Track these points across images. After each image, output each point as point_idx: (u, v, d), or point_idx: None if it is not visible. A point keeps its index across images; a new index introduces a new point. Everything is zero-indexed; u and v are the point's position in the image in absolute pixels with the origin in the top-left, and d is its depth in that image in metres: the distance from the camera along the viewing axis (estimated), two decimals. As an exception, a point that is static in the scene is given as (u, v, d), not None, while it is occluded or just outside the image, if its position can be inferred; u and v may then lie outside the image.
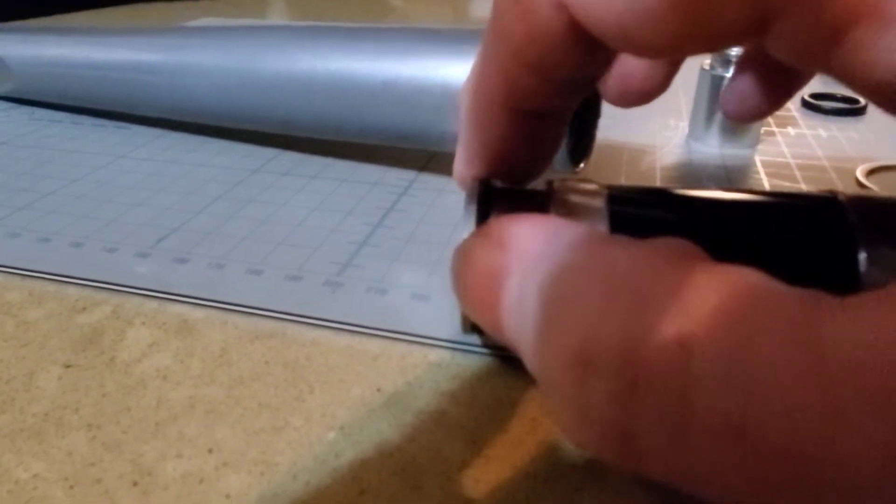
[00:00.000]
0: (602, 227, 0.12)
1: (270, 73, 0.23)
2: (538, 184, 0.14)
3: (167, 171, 0.25)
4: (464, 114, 0.14)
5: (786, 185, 0.23)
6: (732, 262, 0.08)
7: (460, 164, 0.15)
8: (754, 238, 0.12)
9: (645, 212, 0.13)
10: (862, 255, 0.11)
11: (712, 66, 0.25)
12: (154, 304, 0.17)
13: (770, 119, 0.29)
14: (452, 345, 0.15)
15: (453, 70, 0.20)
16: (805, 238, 0.12)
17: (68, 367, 0.15)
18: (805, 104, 0.30)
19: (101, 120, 0.30)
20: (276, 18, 0.66)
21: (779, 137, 0.27)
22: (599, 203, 0.12)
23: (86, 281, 0.18)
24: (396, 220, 0.21)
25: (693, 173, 0.24)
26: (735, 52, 0.24)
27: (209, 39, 0.25)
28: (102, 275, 0.18)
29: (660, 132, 0.28)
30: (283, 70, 0.23)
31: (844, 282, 0.11)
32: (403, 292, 0.17)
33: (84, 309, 0.17)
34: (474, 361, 0.15)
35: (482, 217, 0.13)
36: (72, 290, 0.18)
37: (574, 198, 0.13)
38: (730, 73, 0.25)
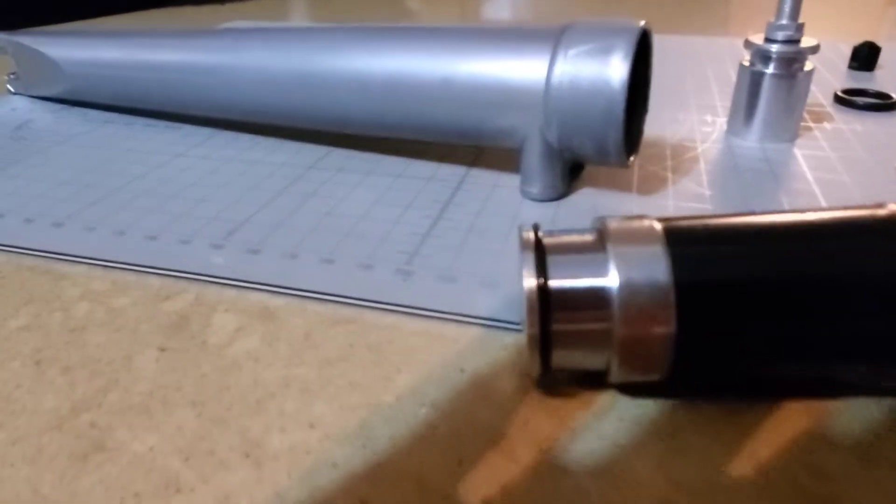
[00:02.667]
0: (663, 270, 0.12)
1: (327, 72, 0.24)
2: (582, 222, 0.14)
3: (225, 168, 0.26)
4: None
5: (829, 178, 0.23)
6: None
7: None
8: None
9: (705, 249, 0.13)
10: None
11: (752, 63, 0.26)
12: (233, 292, 0.18)
13: (805, 115, 0.29)
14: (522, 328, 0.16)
15: (510, 67, 0.21)
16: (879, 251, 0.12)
17: (163, 350, 0.16)
18: (838, 100, 0.31)
19: (152, 120, 0.31)
20: (299, 21, 0.67)
21: (816, 132, 0.28)
22: (658, 247, 0.13)
23: (165, 271, 0.19)
24: (455, 212, 0.22)
25: (737, 167, 0.24)
26: (774, 48, 0.25)
27: (263, 41, 0.26)
28: (181, 265, 0.19)
29: (698, 128, 0.28)
30: (340, 70, 0.24)
31: None
32: (472, 280, 0.18)
33: (168, 297, 0.18)
34: (548, 343, 0.16)
35: (540, 266, 0.13)
36: (153, 279, 0.19)
37: (630, 243, 0.13)
38: (769, 70, 0.25)
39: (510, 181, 0.23)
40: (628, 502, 0.12)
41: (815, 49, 0.25)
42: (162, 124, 0.31)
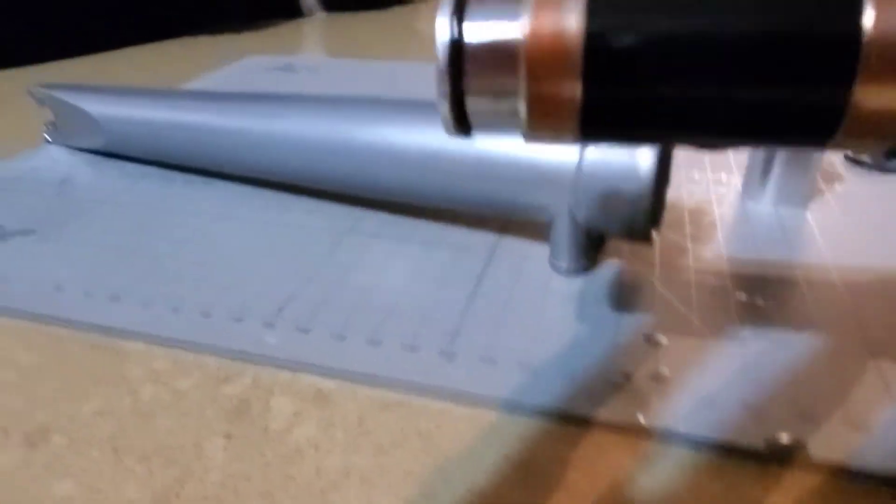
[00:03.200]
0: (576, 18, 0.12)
1: (362, 143, 0.26)
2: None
3: (266, 232, 0.27)
4: None
5: (844, 247, 0.25)
6: None
7: None
8: None
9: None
10: None
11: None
12: (287, 373, 0.20)
13: (819, 177, 0.30)
14: (563, 414, 0.17)
15: (541, 148, 0.22)
16: None
17: (229, 437, 0.17)
18: (848, 159, 0.32)
19: (189, 175, 0.32)
20: (312, 49, 0.68)
21: (828, 196, 0.29)
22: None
23: (223, 350, 0.20)
24: (489, 286, 0.23)
25: (753, 235, 0.26)
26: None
27: (300, 109, 0.28)
28: (237, 344, 0.20)
29: (713, 188, 0.30)
30: (377, 142, 0.25)
31: None
32: (511, 360, 0.19)
33: (227, 378, 0.19)
34: (585, 431, 0.17)
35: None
36: (210, 359, 0.20)
37: None
38: (785, 140, 0.27)
39: (539, 252, 0.25)
40: None
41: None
42: (199, 180, 0.32)
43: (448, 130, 0.14)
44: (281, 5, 0.74)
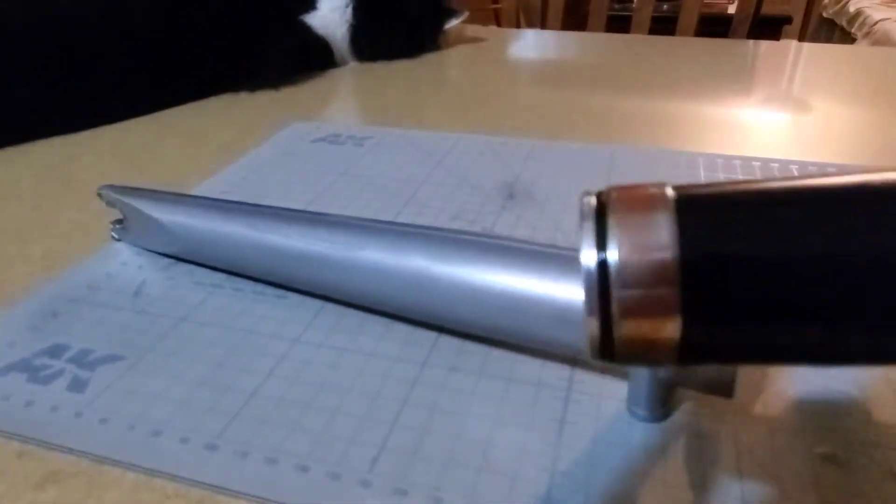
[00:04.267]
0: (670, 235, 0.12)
1: (443, 280, 0.26)
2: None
3: (343, 362, 0.28)
4: None
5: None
6: None
7: None
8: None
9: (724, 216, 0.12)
10: None
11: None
12: (389, 542, 0.20)
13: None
14: None
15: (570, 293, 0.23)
16: None
17: None
18: None
19: (260, 286, 0.33)
20: (348, 103, 0.69)
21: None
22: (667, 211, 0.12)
23: (325, 514, 0.21)
24: (572, 436, 0.24)
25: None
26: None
27: (379, 240, 0.28)
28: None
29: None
30: (453, 279, 0.26)
31: None
32: (608, 538, 0.20)
33: (332, 547, 0.20)
34: None
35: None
36: (312, 521, 0.21)
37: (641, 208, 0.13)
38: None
39: (615, 390, 0.25)
40: None
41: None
42: (271, 292, 0.33)
43: (593, 355, 0.14)
44: (318, 58, 0.75)
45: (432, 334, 0.29)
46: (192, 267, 0.35)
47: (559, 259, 0.25)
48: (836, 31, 2.74)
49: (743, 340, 0.13)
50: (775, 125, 0.59)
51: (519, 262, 0.25)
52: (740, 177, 0.44)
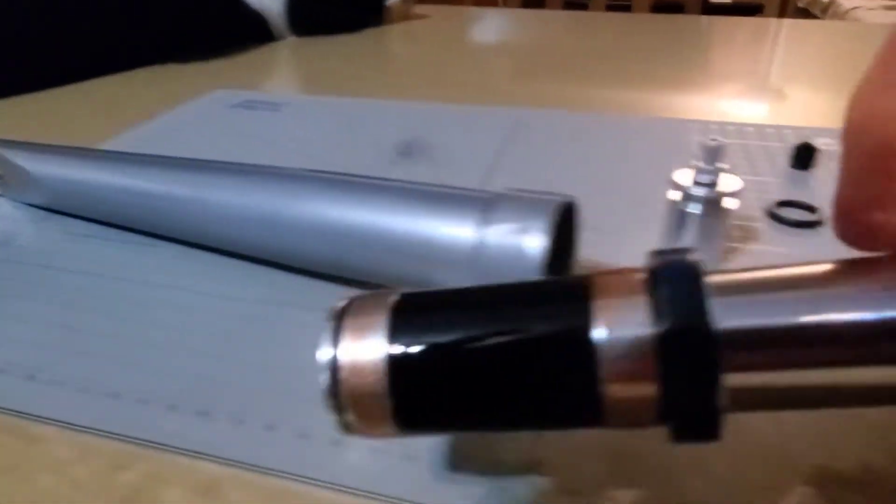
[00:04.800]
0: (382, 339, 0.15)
1: (288, 218, 0.26)
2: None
3: (195, 304, 0.27)
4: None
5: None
6: None
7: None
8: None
9: (420, 320, 0.15)
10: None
11: (679, 202, 0.28)
12: (185, 460, 0.20)
13: (736, 234, 0.31)
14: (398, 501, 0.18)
15: (441, 230, 0.23)
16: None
17: (115, 532, 0.18)
18: (770, 215, 0.33)
19: (129, 235, 0.33)
20: (283, 77, 0.69)
21: (740, 255, 0.30)
22: (384, 314, 0.15)
23: (125, 437, 0.21)
24: (393, 363, 0.24)
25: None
26: (697, 191, 0.27)
27: (236, 179, 0.28)
28: (138, 431, 0.21)
29: (639, 255, 0.30)
30: (299, 217, 0.26)
31: None
32: (397, 453, 0.20)
33: (124, 466, 0.20)
34: (456, 527, 0.18)
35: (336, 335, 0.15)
36: (114, 444, 0.21)
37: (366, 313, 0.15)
38: (692, 209, 0.27)
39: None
40: None
41: (736, 192, 0.27)
42: (140, 241, 0.33)
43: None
44: (252, 32, 0.75)
45: (299, 279, 0.29)
46: (67, 219, 0.35)
47: (440, 198, 0.24)
48: (809, 18, 2.75)
49: (440, 416, 0.15)
50: (701, 89, 0.59)
51: (382, 201, 0.25)
52: (638, 135, 0.44)
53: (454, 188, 0.25)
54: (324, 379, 0.15)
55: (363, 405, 0.15)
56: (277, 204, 0.27)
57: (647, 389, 0.13)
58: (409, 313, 0.15)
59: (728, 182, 0.27)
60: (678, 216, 0.28)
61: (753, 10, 2.32)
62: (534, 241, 0.21)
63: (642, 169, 0.39)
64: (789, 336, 0.12)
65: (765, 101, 0.56)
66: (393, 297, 0.15)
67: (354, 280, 0.28)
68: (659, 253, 0.14)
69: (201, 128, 0.49)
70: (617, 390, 0.13)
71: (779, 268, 0.14)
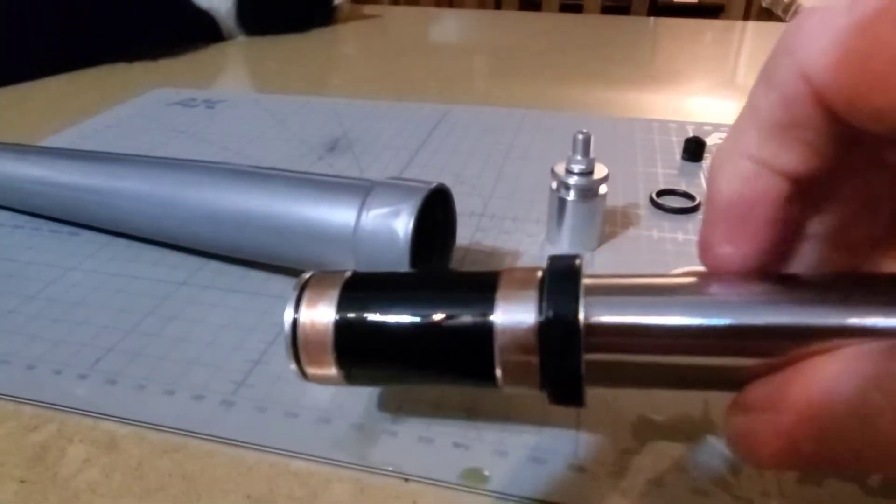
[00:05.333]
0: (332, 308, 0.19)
1: (188, 204, 0.29)
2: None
3: (108, 284, 0.30)
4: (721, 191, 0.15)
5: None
6: None
7: (716, 240, 0.16)
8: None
9: (361, 295, 0.19)
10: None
11: (557, 188, 0.31)
12: (90, 422, 0.23)
13: (619, 218, 0.34)
14: (307, 456, 0.21)
15: (326, 216, 0.26)
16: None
17: (23, 482, 0.20)
18: (652, 202, 0.36)
19: (57, 225, 0.35)
20: (229, 77, 0.71)
21: (621, 238, 0.33)
22: (336, 290, 0.19)
23: (36, 402, 0.23)
24: (289, 335, 0.26)
25: (538, 280, 0.29)
26: (572, 180, 0.30)
27: (140, 168, 0.31)
28: (50, 396, 0.23)
29: (525, 238, 0.33)
30: (198, 203, 0.29)
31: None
32: (279, 410, 0.23)
33: (35, 427, 0.23)
34: (321, 469, 0.21)
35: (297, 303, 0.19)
36: (27, 408, 0.23)
37: (323, 286, 0.19)
38: (570, 196, 0.30)
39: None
40: None
41: (604, 179, 0.30)
42: (66, 230, 0.35)
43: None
44: (202, 31, 0.77)
45: (203, 260, 0.32)
46: (2, 211, 0.37)
47: (327, 187, 0.27)
48: (773, 20, 2.81)
49: (371, 371, 0.20)
50: (636, 88, 0.62)
51: (275, 189, 0.28)
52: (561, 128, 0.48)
53: (340, 178, 0.27)
54: (286, 334, 0.19)
55: (314, 357, 0.19)
56: (183, 192, 0.29)
57: (529, 362, 0.16)
58: (355, 290, 0.19)
59: (600, 170, 0.30)
60: (557, 203, 0.31)
61: (715, 11, 2.37)
62: (402, 223, 0.24)
63: (543, 161, 0.42)
64: (636, 330, 0.15)
65: (662, 95, 0.60)
66: (345, 276, 0.19)
67: (252, 262, 0.31)
68: (554, 257, 0.18)
69: (137, 125, 0.50)
70: (507, 361, 0.17)
71: (641, 276, 0.17)
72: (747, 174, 0.15)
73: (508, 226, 0.34)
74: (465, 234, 0.33)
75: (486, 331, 0.17)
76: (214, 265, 0.31)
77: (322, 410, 0.22)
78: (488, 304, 0.17)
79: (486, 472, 0.20)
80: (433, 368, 0.19)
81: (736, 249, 0.15)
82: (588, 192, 0.30)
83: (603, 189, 0.31)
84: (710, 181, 0.16)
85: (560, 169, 0.31)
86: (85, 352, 0.26)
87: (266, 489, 0.20)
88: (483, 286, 0.17)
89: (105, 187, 0.31)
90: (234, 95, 0.58)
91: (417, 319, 0.18)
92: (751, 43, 0.83)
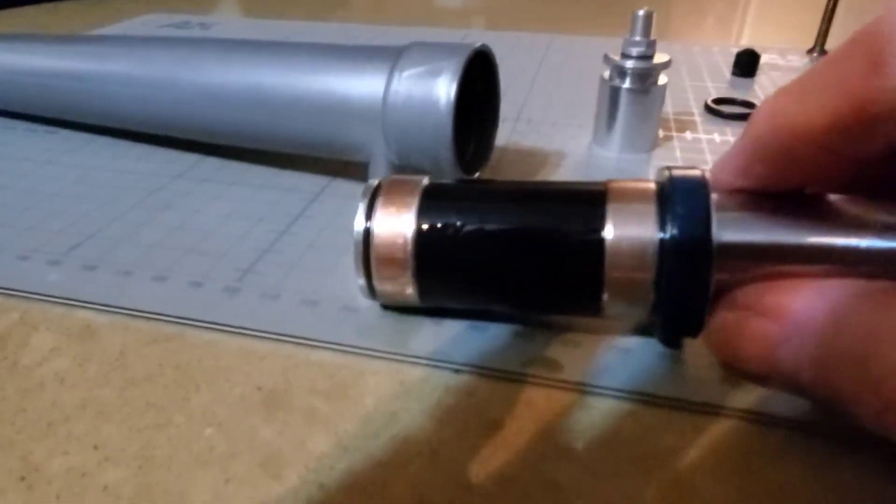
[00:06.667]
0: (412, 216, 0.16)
1: (188, 84, 0.24)
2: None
3: (90, 177, 0.26)
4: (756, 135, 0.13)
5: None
6: None
7: (726, 174, 0.14)
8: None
9: (447, 204, 0.16)
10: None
11: (610, 77, 0.27)
12: (61, 310, 0.19)
13: (672, 123, 0.30)
14: (333, 346, 0.17)
15: (352, 86, 0.22)
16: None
17: (-26, 371, 0.16)
18: (707, 109, 0.32)
19: (34, 124, 0.31)
20: (227, 14, 0.66)
21: (675, 142, 0.29)
22: (415, 198, 0.16)
23: (3, 288, 0.19)
24: (302, 226, 0.22)
25: (588, 175, 0.25)
26: (629, 64, 0.26)
27: (130, 49, 0.26)
28: (13, 283, 0.19)
29: (569, 140, 0.29)
30: (198, 82, 0.24)
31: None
32: (294, 297, 0.18)
33: (-5, 315, 0.18)
34: (351, 361, 0.17)
35: (369, 211, 0.16)
36: (-13, 296, 0.19)
37: (399, 194, 0.17)
38: (625, 84, 0.26)
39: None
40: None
41: (666, 65, 0.26)
42: (43, 129, 0.30)
43: (365, 296, 0.17)
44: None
45: (198, 156, 0.27)
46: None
47: (351, 52, 0.23)
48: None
49: (458, 287, 0.17)
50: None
51: (301, 60, 0.23)
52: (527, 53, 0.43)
53: (368, 46, 0.23)
54: (357, 245, 0.16)
55: (389, 271, 0.16)
56: (180, 71, 0.25)
57: (644, 281, 0.14)
58: (438, 198, 0.16)
59: (660, 56, 0.26)
60: (609, 94, 0.27)
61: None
62: (443, 85, 0.20)
63: (578, 78, 0.38)
64: (769, 251, 0.13)
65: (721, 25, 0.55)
66: (423, 182, 0.17)
67: (257, 155, 0.26)
68: (671, 167, 0.15)
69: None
70: (618, 280, 0.14)
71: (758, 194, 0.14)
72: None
73: (548, 129, 0.30)
74: (500, 135, 0.29)
75: (597, 245, 0.14)
76: (214, 160, 0.27)
77: (348, 298, 0.18)
78: (599, 216, 0.15)
79: (559, 360, 0.16)
80: (530, 288, 0.16)
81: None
82: (647, 80, 0.26)
83: (663, 79, 0.27)
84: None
85: (613, 54, 0.27)
86: (59, 238, 0.21)
87: (281, 380, 0.16)
88: (590, 198, 0.15)
89: (87, 71, 0.27)
90: (229, 19, 0.53)
91: (517, 231, 0.15)
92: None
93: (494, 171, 0.26)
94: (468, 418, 0.15)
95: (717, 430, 0.14)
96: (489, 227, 0.15)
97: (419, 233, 0.16)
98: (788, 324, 0.12)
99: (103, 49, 0.27)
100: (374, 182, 0.17)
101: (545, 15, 0.61)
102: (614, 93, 0.27)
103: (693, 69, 0.39)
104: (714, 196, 0.14)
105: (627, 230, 0.14)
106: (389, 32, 0.48)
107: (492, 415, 0.15)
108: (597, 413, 0.15)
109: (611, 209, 0.15)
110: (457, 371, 0.16)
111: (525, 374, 0.16)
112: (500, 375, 0.16)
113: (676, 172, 0.15)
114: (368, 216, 0.16)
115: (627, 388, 0.15)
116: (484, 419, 0.15)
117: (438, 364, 0.16)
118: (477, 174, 0.23)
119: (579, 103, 0.33)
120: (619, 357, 0.16)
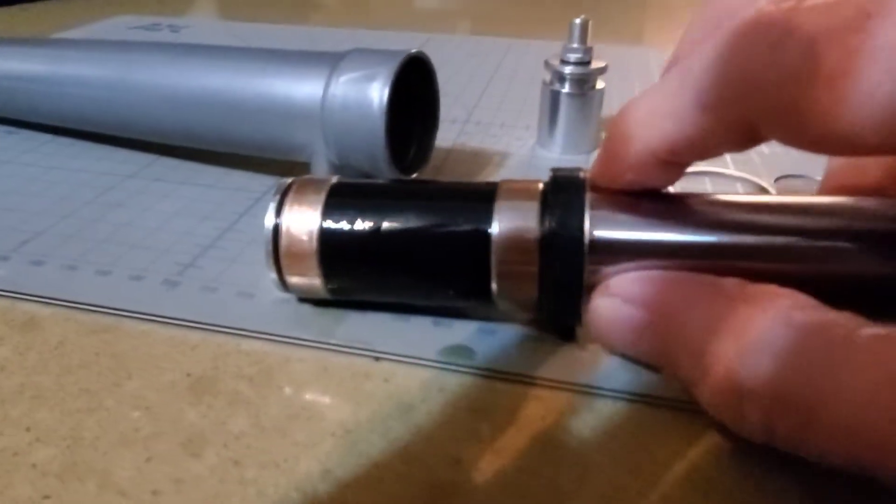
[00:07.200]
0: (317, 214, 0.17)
1: (138, 86, 0.25)
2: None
3: (46, 176, 0.26)
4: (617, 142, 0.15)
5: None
6: None
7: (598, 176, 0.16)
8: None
9: (350, 202, 0.17)
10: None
11: (551, 82, 0.28)
12: (6, 303, 0.19)
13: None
14: (263, 335, 0.18)
15: (292, 89, 0.23)
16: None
17: (-85, 360, 0.17)
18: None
19: (-7, 125, 0.31)
20: (202, 16, 0.66)
21: (617, 145, 0.30)
22: (321, 196, 0.17)
23: (-54, 282, 0.20)
24: (247, 224, 0.23)
25: (529, 175, 0.27)
26: (567, 70, 0.27)
27: (86, 52, 0.27)
28: (-40, 277, 0.20)
29: (514, 142, 0.30)
30: (149, 85, 0.25)
31: None
32: (231, 290, 0.19)
33: (-61, 309, 0.19)
34: (279, 350, 0.18)
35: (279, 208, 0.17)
36: (-70, 291, 0.20)
37: (307, 192, 0.18)
38: (565, 89, 0.28)
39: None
40: None
41: (603, 70, 0.27)
42: (2, 129, 0.31)
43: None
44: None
45: (154, 156, 0.28)
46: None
47: (293, 57, 0.24)
48: None
49: (360, 282, 0.18)
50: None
51: (247, 64, 0.24)
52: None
53: (311, 52, 0.24)
54: (267, 241, 0.17)
55: (297, 266, 0.17)
56: (133, 73, 0.26)
57: (528, 273, 0.15)
58: (342, 196, 0.17)
59: (597, 62, 0.28)
60: (550, 98, 0.28)
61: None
62: (376, 89, 0.21)
63: (531, 82, 0.39)
64: (640, 247, 0.15)
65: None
66: (331, 181, 0.18)
67: (208, 157, 0.27)
68: (557, 169, 0.17)
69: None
70: (505, 272, 0.16)
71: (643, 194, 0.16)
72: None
73: (495, 131, 0.31)
74: (448, 136, 0.30)
75: (484, 239, 0.16)
76: (167, 161, 0.28)
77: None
78: (487, 213, 0.16)
79: (472, 349, 0.17)
80: (425, 280, 0.17)
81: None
82: (584, 85, 0.27)
83: (601, 83, 0.28)
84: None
85: (554, 60, 0.28)
86: (9, 235, 0.22)
87: (210, 367, 0.17)
88: (481, 196, 0.16)
89: (44, 73, 0.28)
90: (199, 21, 0.54)
91: (412, 227, 0.16)
92: None
93: (439, 171, 0.27)
94: (382, 402, 0.16)
95: (606, 409, 0.16)
96: (387, 223, 0.17)
97: (322, 230, 0.17)
98: (650, 312, 0.13)
99: (60, 52, 0.28)
100: (286, 181, 0.18)
101: (525, 17, 0.62)
102: (555, 97, 0.28)
103: (644, 77, 0.40)
104: (590, 195, 0.15)
105: (511, 226, 0.16)
106: (356, 36, 0.49)
107: (405, 399, 0.16)
108: (504, 396, 0.16)
109: (498, 206, 0.16)
110: (377, 359, 0.17)
111: (440, 361, 0.17)
112: (416, 362, 0.17)
113: (560, 173, 0.16)
114: (278, 213, 0.17)
115: (532, 373, 0.16)
116: (397, 402, 0.16)
117: (360, 352, 0.17)
118: (415, 175, 0.24)
119: (528, 106, 0.34)
120: (530, 344, 0.17)
